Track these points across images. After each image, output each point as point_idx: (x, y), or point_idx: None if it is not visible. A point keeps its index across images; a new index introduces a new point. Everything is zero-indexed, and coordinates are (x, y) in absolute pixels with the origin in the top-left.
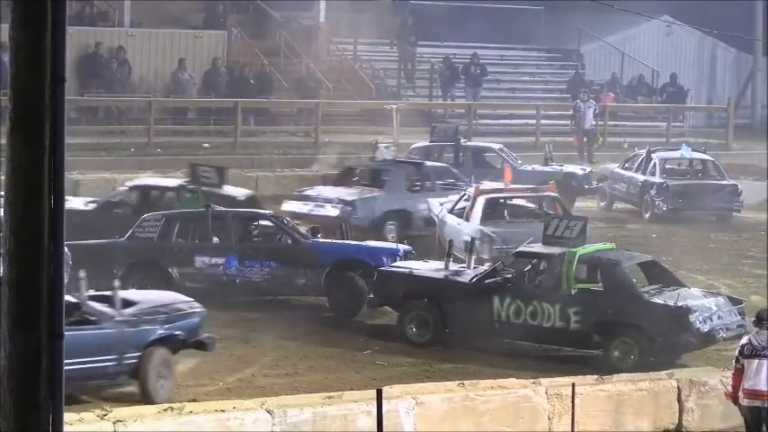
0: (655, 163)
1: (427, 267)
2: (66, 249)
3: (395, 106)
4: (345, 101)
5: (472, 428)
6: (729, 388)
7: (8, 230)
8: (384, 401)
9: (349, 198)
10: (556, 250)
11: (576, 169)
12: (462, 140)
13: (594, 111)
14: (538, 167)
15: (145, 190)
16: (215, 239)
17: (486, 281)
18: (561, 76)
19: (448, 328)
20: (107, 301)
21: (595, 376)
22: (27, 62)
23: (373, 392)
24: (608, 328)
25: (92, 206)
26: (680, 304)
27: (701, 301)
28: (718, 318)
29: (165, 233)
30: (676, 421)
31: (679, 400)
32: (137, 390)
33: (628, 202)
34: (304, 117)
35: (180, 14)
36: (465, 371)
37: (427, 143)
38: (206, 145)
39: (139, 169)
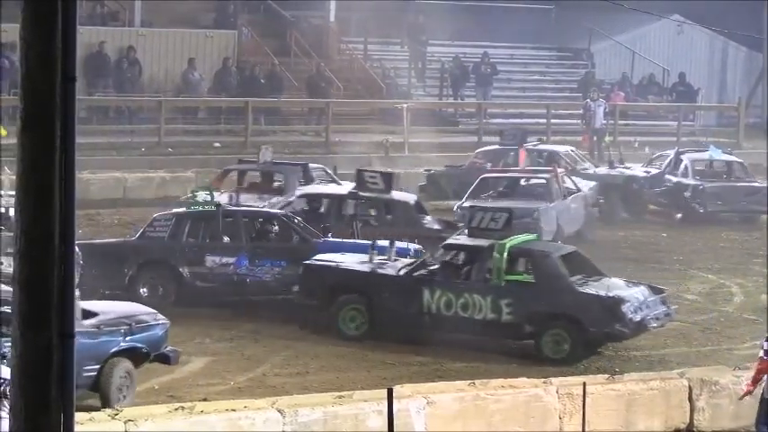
0: (686, 165)
1: (353, 260)
2: (76, 249)
3: (405, 105)
4: (356, 100)
5: (483, 428)
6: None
7: (19, 230)
8: (395, 401)
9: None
10: (484, 242)
11: (639, 172)
12: (534, 144)
13: (605, 110)
14: (602, 170)
15: (314, 197)
16: (226, 239)
17: (415, 273)
18: (572, 75)
19: (378, 322)
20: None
21: (606, 375)
22: (38, 62)
23: (384, 392)
24: (540, 319)
25: None
26: (612, 294)
27: (629, 291)
28: (647, 307)
29: (176, 233)
30: (687, 421)
31: (690, 399)
32: (98, 402)
33: (652, 203)
34: (314, 116)
35: (190, 14)
36: (476, 370)
37: (494, 147)
38: (216, 144)
39: (150, 169)
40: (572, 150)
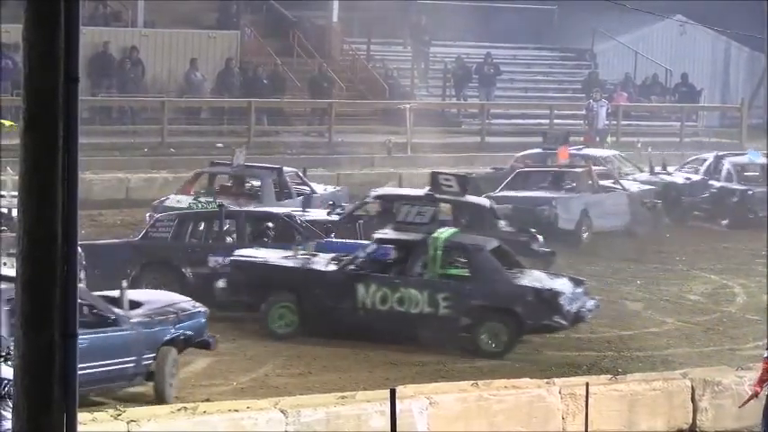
0: (729, 169)
1: (278, 256)
2: (79, 249)
3: (408, 106)
4: (359, 101)
5: (486, 428)
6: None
7: (22, 230)
8: (398, 401)
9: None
10: (416, 236)
11: (679, 178)
12: (578, 148)
13: (607, 110)
14: (642, 175)
15: (388, 199)
16: (228, 239)
17: (347, 268)
18: (574, 75)
19: (310, 318)
20: (113, 302)
21: (609, 376)
22: (40, 62)
23: (387, 392)
24: (478, 312)
25: (335, 216)
26: (549, 287)
27: (557, 283)
28: (577, 299)
29: (179, 233)
30: (690, 421)
31: (693, 399)
32: (146, 391)
33: (695, 210)
34: (317, 117)
35: (193, 14)
36: (479, 370)
37: (536, 150)
38: (219, 145)
39: (152, 169)
40: (617, 155)
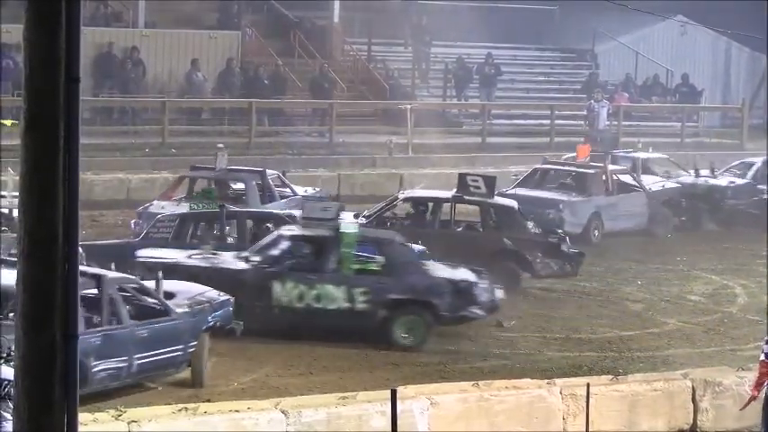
0: None
1: (184, 255)
2: (80, 250)
3: (409, 106)
4: (359, 101)
5: (486, 428)
6: (749, 388)
7: (23, 230)
8: (398, 402)
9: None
10: (325, 232)
11: (723, 182)
12: (627, 151)
13: (608, 111)
14: (687, 178)
15: (418, 201)
16: (229, 239)
17: (261, 266)
18: (575, 76)
19: None
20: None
21: (610, 376)
22: (41, 62)
23: (387, 393)
24: (394, 305)
25: (362, 219)
26: (463, 278)
27: (461, 274)
28: (487, 289)
29: (180, 233)
30: (691, 421)
31: (693, 400)
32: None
33: (740, 213)
34: (318, 117)
35: (194, 15)
36: (479, 371)
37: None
38: (220, 145)
39: (153, 170)
40: (666, 157)
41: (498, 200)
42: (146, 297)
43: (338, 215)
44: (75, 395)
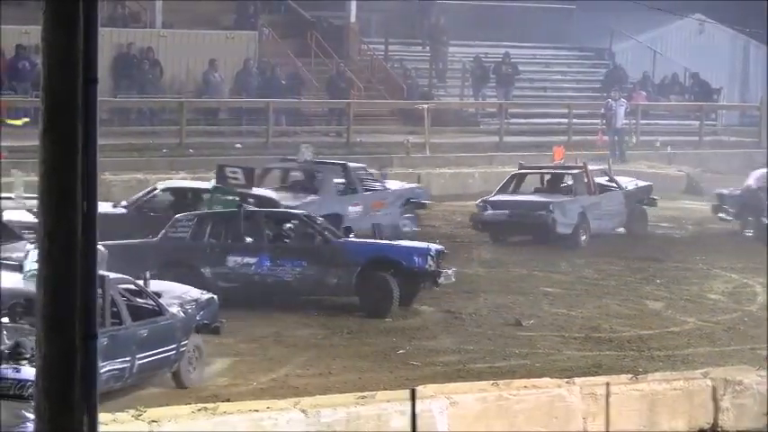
0: None
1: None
2: (101, 249)
3: (426, 106)
4: (377, 101)
5: (506, 428)
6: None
7: (42, 231)
8: (418, 401)
9: (290, 203)
10: None
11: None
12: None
13: (626, 109)
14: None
15: (177, 191)
16: (247, 239)
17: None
18: (593, 74)
19: None
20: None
21: (630, 375)
22: (59, 63)
23: (407, 392)
24: None
25: (121, 209)
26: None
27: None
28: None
29: (198, 233)
30: (711, 421)
31: (714, 399)
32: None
33: None
34: (335, 117)
35: (211, 15)
36: (498, 370)
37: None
38: (238, 145)
39: (171, 170)
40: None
41: (258, 191)
42: (138, 297)
43: None
44: (95, 395)
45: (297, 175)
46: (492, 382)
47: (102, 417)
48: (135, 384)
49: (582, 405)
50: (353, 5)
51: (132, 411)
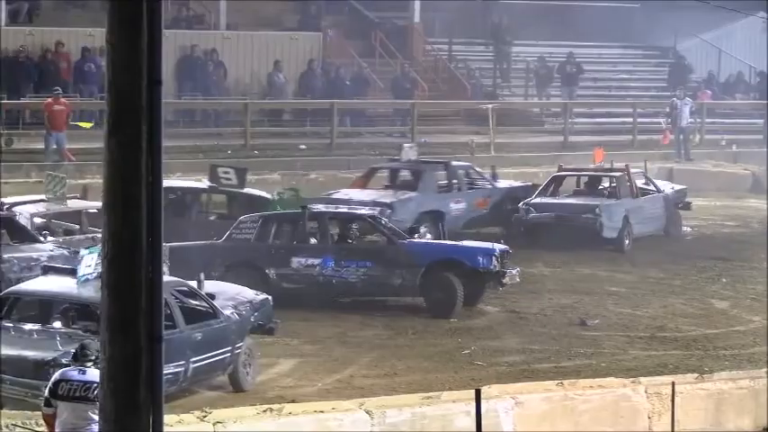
0: None
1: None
2: (165, 248)
3: (490, 106)
4: (441, 101)
5: (571, 428)
6: None
7: (107, 233)
8: (483, 401)
9: (386, 200)
10: None
11: None
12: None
13: (691, 108)
14: None
15: (170, 190)
16: (312, 240)
17: None
18: (658, 73)
19: None
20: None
21: (695, 375)
22: (124, 66)
23: (472, 392)
24: None
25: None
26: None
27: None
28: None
29: (263, 234)
30: None
31: None
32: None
33: None
34: (400, 118)
35: (275, 16)
36: (563, 370)
37: None
38: (302, 146)
39: None
40: None
41: (250, 191)
42: (192, 299)
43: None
44: (161, 397)
45: (405, 174)
46: (557, 382)
47: (167, 418)
48: (189, 389)
49: (647, 405)
50: (417, 5)
51: (197, 412)
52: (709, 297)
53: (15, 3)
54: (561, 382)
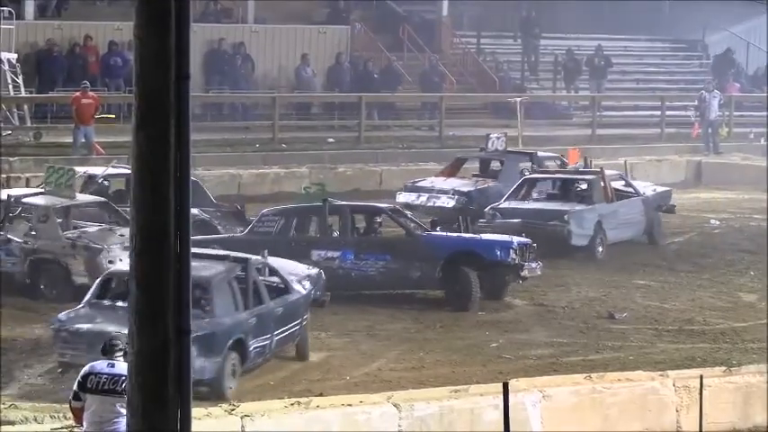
0: None
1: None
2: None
3: (519, 99)
4: (469, 94)
5: (599, 421)
6: None
7: (135, 227)
8: (511, 395)
9: (464, 189)
10: None
11: None
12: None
13: (720, 101)
14: None
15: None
16: (334, 233)
17: None
18: (686, 66)
19: None
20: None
21: (723, 368)
22: (152, 60)
23: (500, 386)
24: None
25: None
26: None
27: None
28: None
29: (284, 227)
30: None
31: None
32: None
33: None
34: (428, 111)
35: (303, 10)
36: (592, 363)
37: None
38: (330, 140)
39: (264, 165)
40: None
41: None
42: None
43: None
44: (189, 391)
45: (493, 164)
46: (585, 375)
47: (196, 411)
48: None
49: (675, 398)
50: None
51: (225, 406)
52: (736, 290)
53: None
54: (589, 376)
